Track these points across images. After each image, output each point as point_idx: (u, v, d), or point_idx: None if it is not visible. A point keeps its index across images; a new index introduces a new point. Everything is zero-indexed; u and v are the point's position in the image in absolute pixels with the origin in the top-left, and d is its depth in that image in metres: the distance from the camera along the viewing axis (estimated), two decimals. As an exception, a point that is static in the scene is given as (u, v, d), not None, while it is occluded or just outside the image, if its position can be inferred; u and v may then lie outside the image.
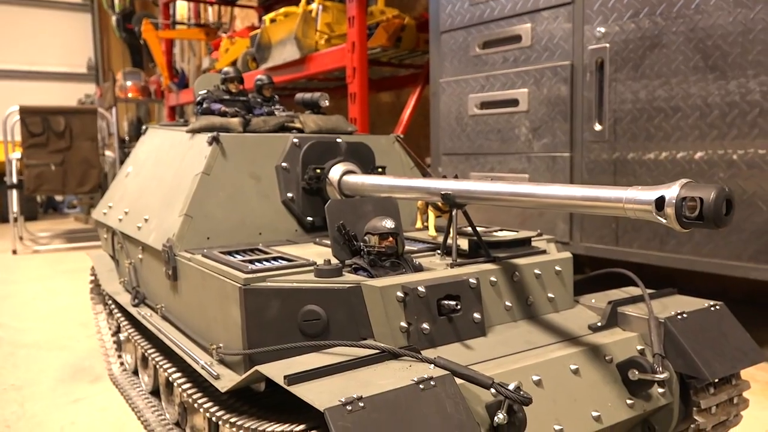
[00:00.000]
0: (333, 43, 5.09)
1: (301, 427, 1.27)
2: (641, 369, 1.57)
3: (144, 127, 3.08)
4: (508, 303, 1.75)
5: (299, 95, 2.65)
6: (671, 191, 1.22)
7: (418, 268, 1.74)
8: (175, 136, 2.57)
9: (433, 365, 1.32)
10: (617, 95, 3.18)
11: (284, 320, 1.60)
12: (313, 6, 5.16)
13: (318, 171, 2.25)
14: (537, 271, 1.82)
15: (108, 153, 8.39)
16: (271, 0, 7.66)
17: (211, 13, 9.38)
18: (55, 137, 6.95)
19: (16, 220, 7.16)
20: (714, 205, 1.16)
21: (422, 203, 2.37)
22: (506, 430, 1.30)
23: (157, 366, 2.12)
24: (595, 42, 3.24)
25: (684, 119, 2.93)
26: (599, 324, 1.76)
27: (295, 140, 2.31)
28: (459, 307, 1.59)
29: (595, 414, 1.51)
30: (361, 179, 2.17)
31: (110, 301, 2.79)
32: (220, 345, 1.77)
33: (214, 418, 1.65)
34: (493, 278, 1.73)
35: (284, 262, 1.77)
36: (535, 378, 1.48)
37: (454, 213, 1.78)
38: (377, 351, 1.38)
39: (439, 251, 1.91)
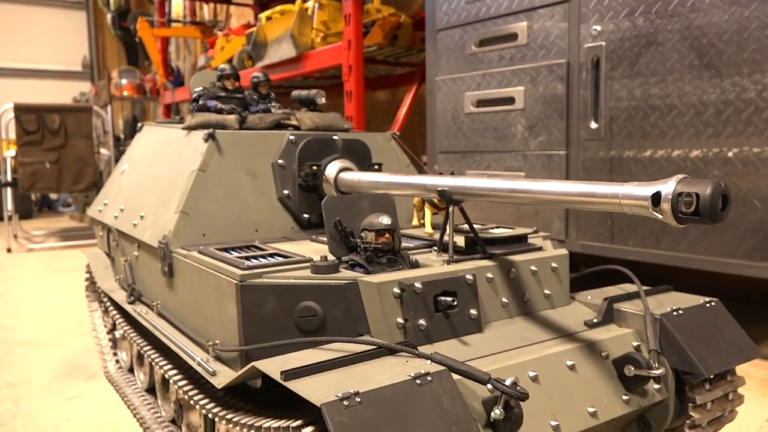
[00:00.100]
0: (329, 41, 5.09)
1: (298, 422, 1.27)
2: (637, 365, 1.58)
3: (139, 125, 3.07)
4: (504, 299, 1.75)
5: (295, 92, 2.65)
6: (667, 187, 1.22)
7: (415, 265, 1.74)
8: (171, 133, 2.57)
9: (429, 361, 1.32)
10: (613, 93, 3.18)
11: (281, 317, 1.60)
12: (309, 4, 5.15)
13: (314, 168, 2.25)
14: (533, 268, 1.82)
15: (103, 151, 8.37)
16: (266, -2, 7.66)
17: (206, 11, 9.36)
18: (50, 135, 6.93)
19: (10, 218, 7.14)
20: (710, 200, 1.16)
21: (418, 200, 2.37)
22: (503, 426, 1.30)
23: (153, 363, 2.12)
24: (591, 40, 3.24)
25: (679, 117, 2.94)
26: (595, 320, 1.77)
27: (292, 137, 2.30)
28: (455, 303, 1.59)
29: (591, 410, 1.51)
30: (357, 176, 2.17)
31: (105, 299, 2.79)
32: (216, 342, 1.77)
33: (210, 415, 1.65)
34: (489, 275, 1.73)
35: (280, 259, 1.76)
36: (532, 374, 1.48)
37: (450, 210, 1.78)
38: (374, 347, 1.38)
39: (435, 248, 1.91)
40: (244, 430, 1.46)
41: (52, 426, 2.44)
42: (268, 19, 5.56)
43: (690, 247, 2.95)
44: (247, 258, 1.77)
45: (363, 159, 2.38)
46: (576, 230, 3.40)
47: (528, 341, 1.63)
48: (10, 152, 7.17)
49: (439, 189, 1.78)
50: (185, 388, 1.82)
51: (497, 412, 1.28)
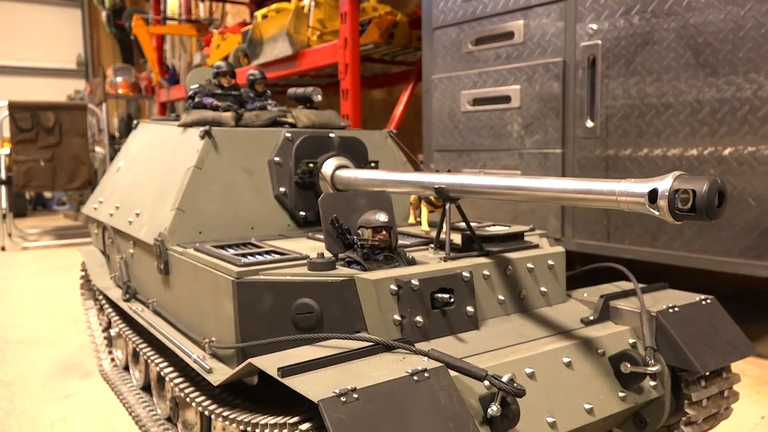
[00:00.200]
0: (325, 40, 5.08)
1: (295, 419, 1.26)
2: (633, 362, 1.58)
3: (135, 122, 3.06)
4: (501, 296, 1.75)
5: (291, 90, 2.64)
6: (664, 183, 1.23)
7: (412, 262, 1.74)
8: (167, 131, 2.56)
9: (427, 357, 1.33)
10: (609, 92, 3.19)
11: (277, 313, 1.60)
12: (305, 2, 5.15)
13: (311, 165, 2.25)
14: (530, 265, 1.82)
15: (98, 149, 8.34)
16: (262, -4, 7.64)
17: (202, 9, 9.34)
18: (45, 133, 6.90)
19: (4, 216, 7.10)
20: (707, 197, 1.16)
21: (415, 198, 2.37)
22: (499, 422, 1.31)
23: (149, 361, 2.11)
24: (587, 39, 3.25)
25: (675, 116, 2.95)
26: (591, 318, 1.77)
27: (288, 135, 2.30)
28: (452, 300, 1.59)
29: (587, 406, 1.51)
30: (354, 173, 2.17)
31: (101, 297, 2.78)
32: (213, 339, 1.76)
33: (206, 412, 1.65)
34: (486, 272, 1.73)
35: (277, 256, 1.76)
36: (528, 371, 1.48)
37: (447, 207, 1.78)
38: (371, 343, 1.38)
39: (432, 245, 1.91)
40: (241, 427, 1.46)
41: (47, 424, 2.43)
42: (264, 17, 5.55)
43: (685, 246, 2.95)
44: (244, 255, 1.77)
45: (360, 157, 2.37)
46: (572, 229, 3.41)
47: (524, 338, 1.63)
48: (5, 150, 7.14)
49: (436, 186, 1.78)
50: (181, 386, 1.82)
51: (494, 409, 1.29)
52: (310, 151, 2.28)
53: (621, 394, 1.59)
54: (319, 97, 2.59)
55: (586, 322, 1.76)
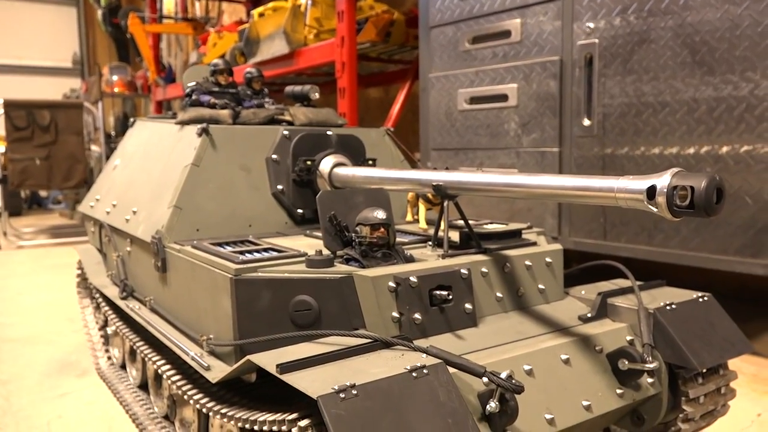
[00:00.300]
0: (322, 38, 5.07)
1: (294, 416, 1.26)
2: (631, 359, 1.58)
3: (132, 120, 3.05)
4: (499, 294, 1.75)
5: (289, 88, 2.64)
6: (662, 180, 1.23)
7: (410, 259, 1.74)
8: (164, 128, 2.56)
9: (425, 354, 1.32)
10: (606, 90, 3.19)
11: (275, 311, 1.60)
12: (302, 0, 5.14)
13: (308, 163, 2.24)
14: (528, 263, 1.82)
15: (94, 148, 8.32)
16: (259, -6, 7.63)
17: (198, 8, 9.32)
18: (40, 131, 6.88)
19: (0, 215, 7.08)
20: (705, 193, 1.17)
21: (412, 196, 2.37)
22: (498, 419, 1.31)
23: (146, 359, 2.11)
24: (584, 37, 3.25)
25: (672, 114, 2.96)
26: (589, 315, 1.78)
27: (286, 132, 2.30)
28: (450, 297, 1.59)
29: (585, 403, 1.52)
30: (352, 171, 2.17)
31: (97, 295, 2.77)
32: (211, 336, 1.76)
33: (204, 410, 1.64)
34: (484, 269, 1.73)
35: (275, 253, 1.76)
36: (527, 368, 1.48)
37: (445, 204, 1.78)
38: (369, 340, 1.38)
39: (430, 243, 1.91)
40: (239, 424, 1.46)
41: (43, 422, 2.43)
42: (261, 15, 5.54)
43: (682, 244, 2.96)
44: (242, 252, 1.77)
45: (357, 154, 2.37)
46: (569, 227, 3.41)
47: (523, 335, 1.64)
48: (0, 148, 7.11)
49: (434, 183, 1.78)
50: (179, 383, 1.82)
51: (493, 405, 1.29)
52: (307, 149, 2.28)
53: (619, 391, 1.60)
54: (317, 95, 2.58)
55: (584, 320, 1.76)
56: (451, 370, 1.30)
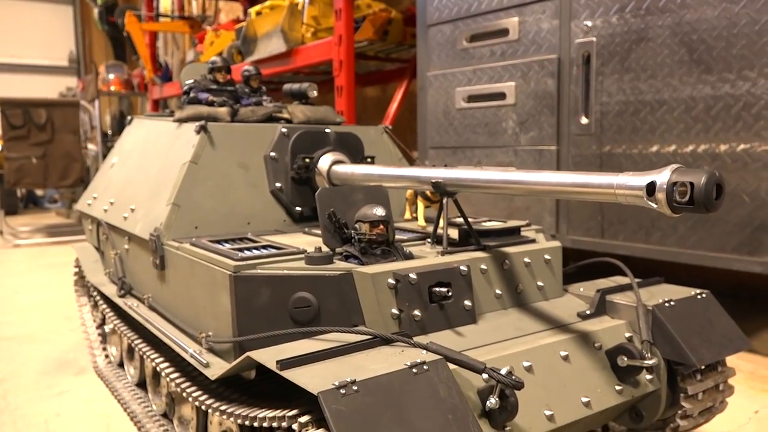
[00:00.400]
0: (319, 36, 5.07)
1: (294, 411, 1.26)
2: (630, 355, 1.59)
3: (129, 118, 3.05)
4: (498, 291, 1.75)
5: (287, 86, 2.64)
6: (662, 176, 1.23)
7: (409, 256, 1.74)
8: (162, 126, 2.55)
9: (425, 350, 1.32)
10: (604, 89, 3.20)
11: (275, 308, 1.60)
12: (300, -1, 5.14)
13: (307, 161, 2.24)
14: (527, 260, 1.82)
15: (90, 146, 8.30)
16: (256, -7, 7.61)
17: (195, 6, 9.30)
18: (37, 130, 6.86)
19: (-5, 214, 7.06)
20: (704, 189, 1.17)
21: (411, 194, 2.37)
22: (498, 415, 1.31)
23: (144, 356, 2.10)
24: (582, 36, 3.25)
25: (669, 113, 2.96)
26: (588, 312, 1.78)
27: (284, 130, 2.30)
28: (450, 294, 1.59)
29: (584, 400, 1.52)
30: (350, 168, 2.17)
31: (95, 293, 2.76)
32: (209, 333, 1.76)
33: (203, 407, 1.64)
34: (483, 266, 1.73)
35: (274, 250, 1.76)
36: (526, 364, 1.48)
37: (444, 201, 1.78)
38: (369, 337, 1.38)
39: (429, 240, 1.91)
40: (239, 420, 1.46)
41: (41, 421, 2.42)
42: (258, 13, 5.53)
43: (679, 242, 2.97)
44: (241, 249, 1.76)
45: (356, 152, 2.37)
46: (566, 225, 3.41)
47: (522, 332, 1.64)
48: (-4, 147, 7.10)
49: (433, 180, 1.78)
50: (177, 381, 1.81)
51: (493, 401, 1.29)
52: (306, 147, 2.27)
53: (618, 388, 1.60)
54: (315, 93, 2.58)
55: (583, 316, 1.76)
56: (451, 366, 1.30)
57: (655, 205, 1.25)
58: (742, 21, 2.70)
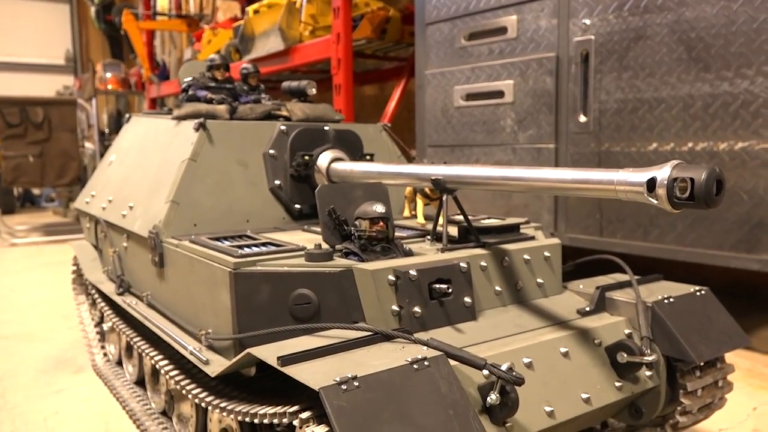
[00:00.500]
0: (317, 35, 5.06)
1: (295, 408, 1.26)
2: (629, 352, 1.59)
3: (127, 116, 3.04)
4: (497, 288, 1.75)
5: (286, 83, 2.64)
6: (662, 172, 1.23)
7: (409, 253, 1.74)
8: (160, 124, 2.55)
9: (426, 346, 1.32)
10: (602, 87, 3.20)
11: (275, 304, 1.59)
12: (298, -3, 5.13)
13: (306, 158, 2.24)
14: (526, 257, 1.83)
15: (88, 145, 8.28)
16: (254, -9, 7.60)
17: (192, 5, 9.27)
18: (34, 128, 6.84)
19: (-7, 212, 7.04)
20: (705, 185, 1.17)
21: (410, 191, 2.37)
22: (499, 411, 1.31)
23: (143, 354, 2.10)
24: (581, 34, 3.26)
25: (667, 111, 2.97)
26: (587, 309, 1.78)
27: (283, 128, 2.29)
28: (450, 290, 1.59)
29: (584, 396, 1.52)
30: (350, 166, 2.17)
31: (93, 291, 2.76)
32: (209, 330, 1.75)
33: (203, 404, 1.64)
34: (483, 263, 1.73)
35: (274, 247, 1.76)
36: (526, 360, 1.48)
37: (444, 198, 1.78)
38: (370, 333, 1.38)
39: (428, 237, 1.91)
40: (239, 417, 1.45)
41: (39, 419, 2.41)
42: (256, 12, 5.53)
43: (677, 240, 2.97)
44: (240, 247, 1.76)
45: (355, 150, 2.37)
46: (565, 223, 3.42)
47: (522, 329, 1.64)
48: (-7, 146, 7.07)
49: (433, 178, 1.78)
50: (177, 378, 1.81)
51: (493, 397, 1.29)
52: (305, 144, 2.27)
53: (617, 384, 1.60)
54: (314, 91, 2.58)
55: (583, 313, 1.77)
56: (452, 362, 1.30)
57: (655, 201, 1.25)
58: (740, 19, 2.70)
